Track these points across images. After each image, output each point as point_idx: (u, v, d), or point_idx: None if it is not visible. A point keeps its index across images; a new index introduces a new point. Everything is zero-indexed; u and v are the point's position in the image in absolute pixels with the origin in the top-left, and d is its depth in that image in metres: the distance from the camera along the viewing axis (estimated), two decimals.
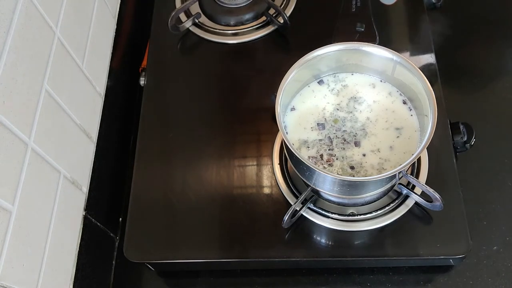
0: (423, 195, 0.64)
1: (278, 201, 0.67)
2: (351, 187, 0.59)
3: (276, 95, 0.59)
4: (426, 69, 0.74)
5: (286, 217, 0.61)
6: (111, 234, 0.74)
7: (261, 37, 0.82)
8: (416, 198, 0.64)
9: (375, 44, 0.63)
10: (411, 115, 0.63)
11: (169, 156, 0.73)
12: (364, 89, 0.66)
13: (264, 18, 0.83)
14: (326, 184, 0.60)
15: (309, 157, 0.62)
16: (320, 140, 0.63)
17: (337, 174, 0.60)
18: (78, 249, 0.64)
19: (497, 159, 0.75)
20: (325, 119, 0.64)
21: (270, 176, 0.70)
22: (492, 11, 0.89)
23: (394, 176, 0.58)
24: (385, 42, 0.76)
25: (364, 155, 0.62)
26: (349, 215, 0.65)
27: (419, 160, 0.68)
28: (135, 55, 0.87)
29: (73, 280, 0.62)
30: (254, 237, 0.66)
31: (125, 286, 0.73)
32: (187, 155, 0.73)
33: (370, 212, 0.65)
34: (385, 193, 0.66)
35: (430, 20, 0.80)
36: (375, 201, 0.66)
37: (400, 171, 0.55)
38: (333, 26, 0.80)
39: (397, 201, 0.66)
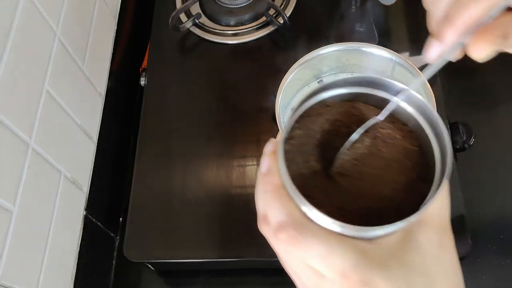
0: None
1: None
2: None
3: (276, 95, 0.59)
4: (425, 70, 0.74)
5: None
6: (111, 234, 0.74)
7: (261, 37, 0.82)
8: None
9: (374, 44, 0.63)
10: None
11: (169, 156, 0.73)
12: None
13: (264, 18, 0.83)
14: None
15: None
16: None
17: None
18: (78, 249, 0.64)
19: (497, 159, 0.75)
20: None
21: None
22: None
23: None
24: (384, 42, 0.76)
25: None
26: None
27: None
28: (136, 55, 0.87)
29: (73, 280, 0.62)
30: (254, 237, 0.66)
31: (125, 286, 0.73)
32: (187, 155, 0.73)
33: None
34: None
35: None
36: None
37: None
38: (333, 26, 0.81)
39: None
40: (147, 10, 0.89)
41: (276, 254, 0.30)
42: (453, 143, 0.70)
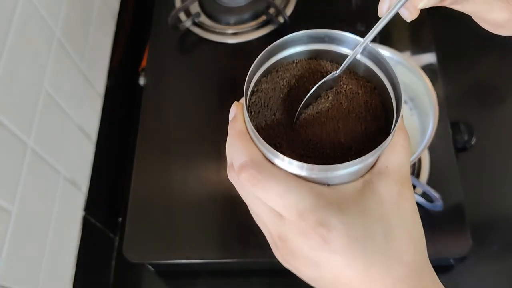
0: (424, 195, 0.64)
1: None
2: None
3: None
4: (427, 69, 0.74)
5: None
6: (111, 235, 0.74)
7: (261, 37, 0.82)
8: (416, 198, 0.64)
9: (375, 43, 0.62)
10: (412, 115, 0.63)
11: (169, 156, 0.73)
12: None
13: (264, 17, 0.83)
14: None
15: None
16: None
17: None
18: (77, 249, 0.63)
19: (498, 159, 0.75)
20: None
21: None
22: None
23: None
24: (385, 42, 0.76)
25: None
26: None
27: (420, 160, 0.68)
28: (135, 55, 0.87)
29: (72, 280, 0.62)
30: (254, 237, 0.65)
31: (125, 286, 0.72)
32: (187, 155, 0.73)
33: None
34: None
35: (430, 20, 0.80)
36: None
37: None
38: (333, 25, 0.80)
39: None
40: (146, 9, 0.89)
41: (245, 201, 0.31)
42: (454, 142, 0.70)
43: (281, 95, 0.32)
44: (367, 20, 0.79)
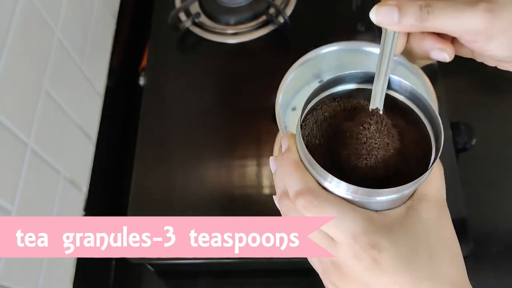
0: None
1: None
2: None
3: (276, 95, 0.59)
4: (427, 69, 0.74)
5: None
6: None
7: (261, 37, 0.82)
8: None
9: (375, 43, 0.62)
10: None
11: (168, 156, 0.73)
12: None
13: (264, 17, 0.82)
14: None
15: None
16: None
17: None
18: None
19: (498, 159, 0.75)
20: None
21: (270, 176, 0.69)
22: None
23: None
24: None
25: None
26: None
27: None
28: (135, 54, 0.87)
29: (73, 280, 0.62)
30: None
31: (125, 286, 0.72)
32: (187, 155, 0.73)
33: None
34: None
35: None
36: None
37: None
38: (333, 25, 0.80)
39: None
40: (146, 9, 0.89)
41: None
42: (455, 143, 0.69)
43: (326, 130, 0.35)
44: (367, 20, 0.79)
